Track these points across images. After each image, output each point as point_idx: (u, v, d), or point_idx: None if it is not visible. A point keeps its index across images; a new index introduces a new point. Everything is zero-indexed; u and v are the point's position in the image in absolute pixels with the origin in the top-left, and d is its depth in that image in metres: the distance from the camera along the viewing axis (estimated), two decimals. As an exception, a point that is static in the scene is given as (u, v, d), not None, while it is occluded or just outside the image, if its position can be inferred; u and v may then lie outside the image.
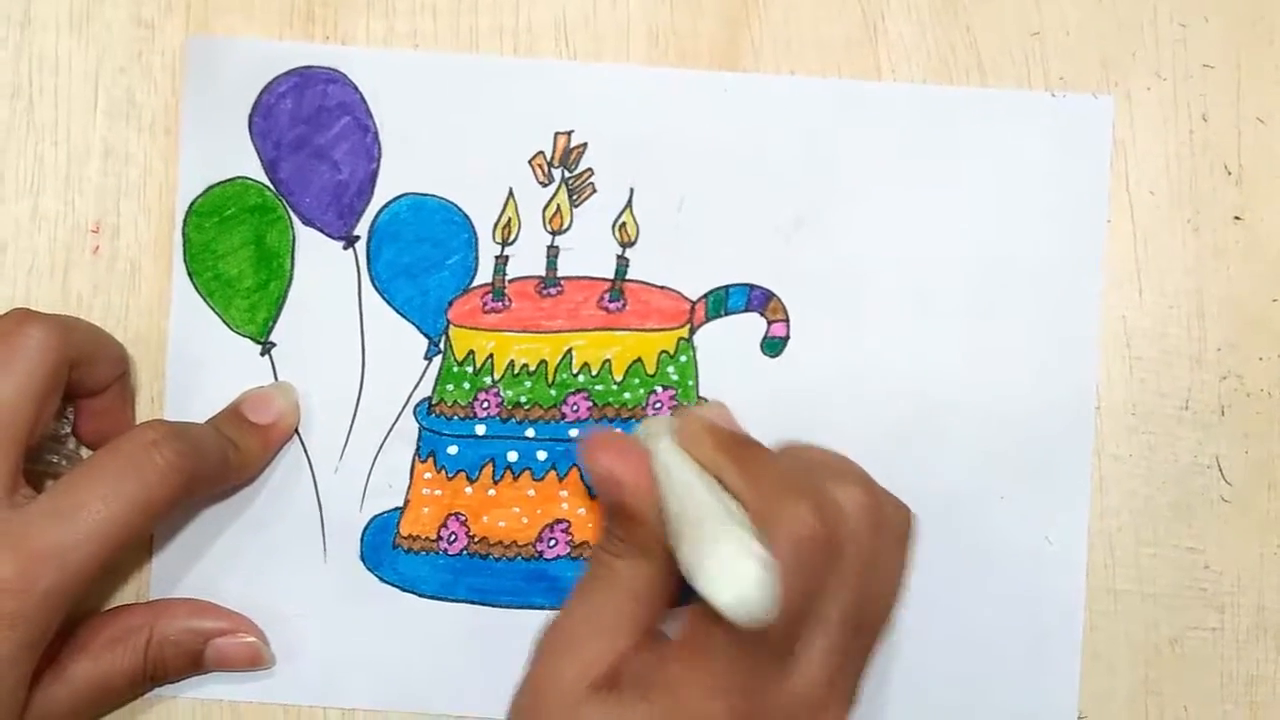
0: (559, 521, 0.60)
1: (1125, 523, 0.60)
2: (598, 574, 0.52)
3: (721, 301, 0.60)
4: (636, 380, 0.60)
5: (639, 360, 0.60)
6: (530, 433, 0.60)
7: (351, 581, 0.60)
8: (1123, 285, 0.60)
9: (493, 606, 0.60)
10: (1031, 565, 0.60)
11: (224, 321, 0.60)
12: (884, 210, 0.60)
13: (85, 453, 0.59)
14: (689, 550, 0.46)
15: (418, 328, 0.60)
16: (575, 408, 0.60)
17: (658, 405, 0.60)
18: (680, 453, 0.52)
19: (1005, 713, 0.60)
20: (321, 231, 0.60)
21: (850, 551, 0.50)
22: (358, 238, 0.60)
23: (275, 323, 0.60)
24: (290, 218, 0.60)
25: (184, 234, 0.60)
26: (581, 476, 0.60)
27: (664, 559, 0.50)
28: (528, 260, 0.60)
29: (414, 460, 0.60)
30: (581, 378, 0.60)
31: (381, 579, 0.60)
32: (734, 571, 0.45)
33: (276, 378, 0.60)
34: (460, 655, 0.60)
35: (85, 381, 0.57)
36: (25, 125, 0.60)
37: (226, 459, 0.57)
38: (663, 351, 0.60)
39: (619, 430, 0.60)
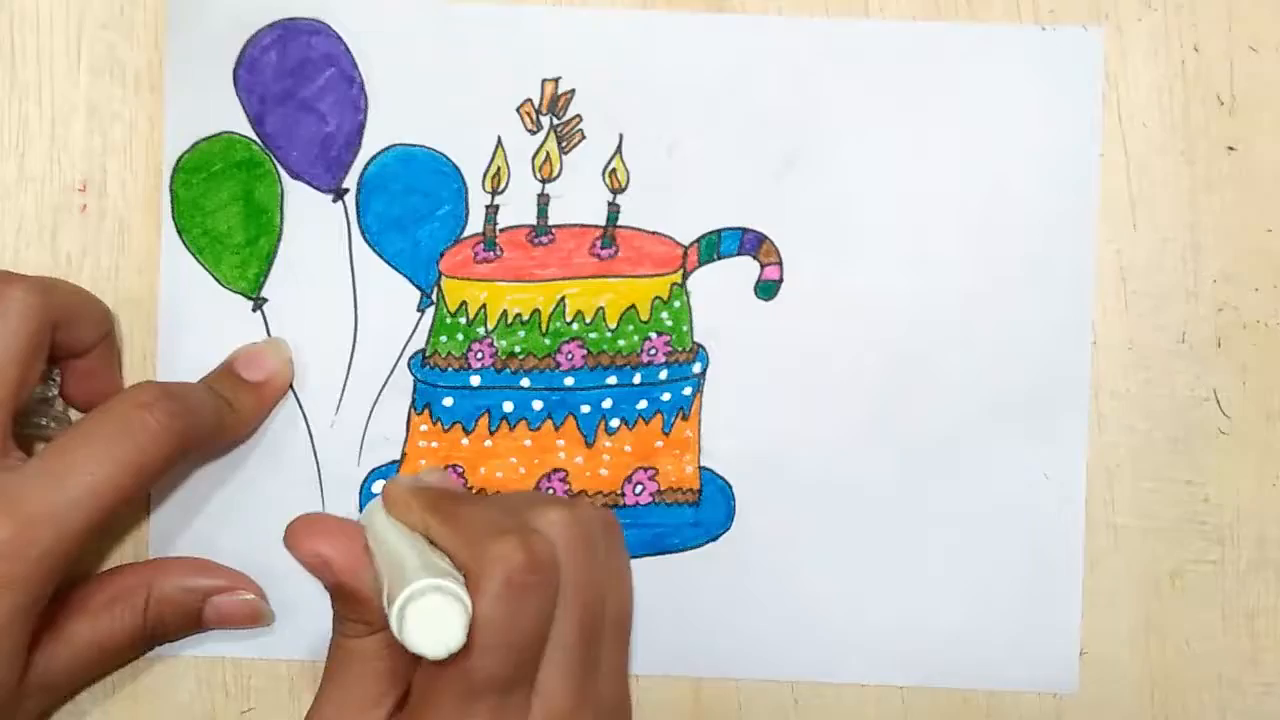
0: (556, 470, 0.60)
1: (1124, 458, 0.60)
2: (338, 658, 0.52)
3: (714, 246, 0.60)
4: (631, 327, 0.60)
5: (633, 307, 0.60)
6: (525, 382, 0.60)
7: (350, 535, 0.60)
8: (1117, 219, 0.60)
9: (492, 557, 0.60)
10: (1030, 502, 0.60)
11: (214, 278, 0.60)
12: (875, 150, 0.60)
13: (74, 415, 0.59)
14: (391, 609, 0.47)
15: (409, 279, 0.60)
16: (570, 356, 0.60)
17: (653, 351, 0.60)
18: (390, 521, 0.52)
19: (1007, 650, 0.60)
20: (310, 185, 0.60)
21: (567, 570, 0.51)
22: (346, 190, 0.60)
23: (266, 278, 0.60)
24: (278, 172, 0.60)
25: (172, 191, 0.60)
26: (578, 425, 0.60)
27: None
28: (518, 209, 0.60)
29: (410, 413, 0.60)
30: (575, 326, 0.60)
31: (380, 532, 0.60)
32: (430, 615, 0.46)
33: (269, 334, 0.60)
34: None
35: (69, 342, 0.56)
36: (8, 85, 0.60)
37: (221, 418, 0.57)
38: (656, 297, 0.60)
39: (323, 512, 0.59)
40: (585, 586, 0.51)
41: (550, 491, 0.60)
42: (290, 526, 0.52)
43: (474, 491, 0.60)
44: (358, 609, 0.51)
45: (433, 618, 0.46)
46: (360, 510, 0.60)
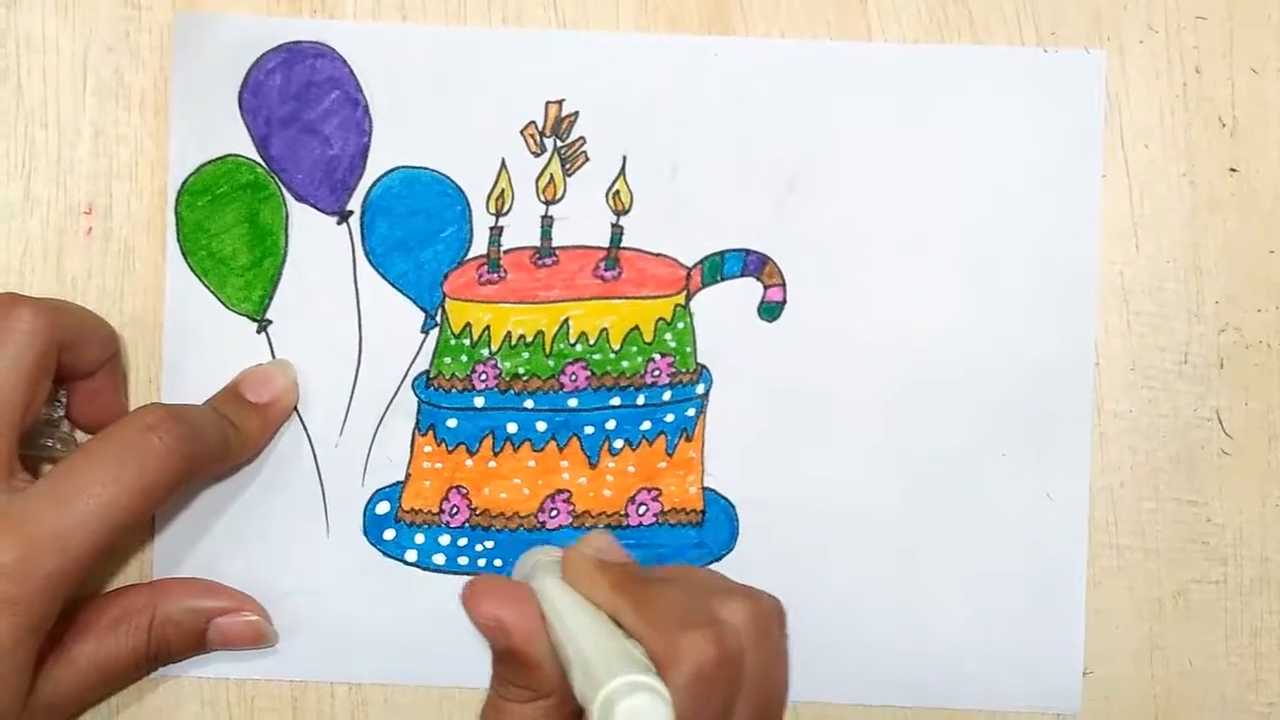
0: (560, 491, 0.60)
1: (1126, 478, 0.60)
2: None
3: (717, 267, 0.60)
4: (634, 348, 0.60)
5: (636, 328, 0.60)
6: (529, 404, 0.60)
7: (355, 556, 0.60)
8: (1119, 240, 0.60)
9: (496, 578, 0.60)
10: (1033, 523, 0.60)
11: (219, 300, 0.60)
12: (878, 171, 0.60)
13: (80, 436, 0.59)
14: (594, 695, 0.46)
15: (414, 301, 0.60)
16: (574, 377, 0.60)
17: (656, 372, 0.60)
18: (570, 592, 0.52)
19: (1011, 670, 0.60)
20: (314, 207, 0.60)
21: (748, 664, 0.50)
22: (351, 213, 0.60)
23: (271, 300, 0.60)
24: (283, 194, 0.60)
25: (176, 213, 0.60)
26: (582, 446, 0.60)
27: (561, 695, 0.50)
28: (522, 231, 0.60)
29: (414, 434, 0.60)
30: (579, 347, 0.60)
31: (385, 553, 0.60)
32: (637, 713, 0.46)
33: (274, 355, 0.60)
34: (465, 628, 0.60)
35: (76, 364, 0.57)
36: (15, 108, 0.60)
37: (226, 440, 0.57)
38: (660, 319, 0.60)
39: (498, 575, 0.60)
40: (763, 678, 0.51)
41: (555, 513, 0.60)
42: (468, 587, 0.51)
43: (481, 512, 0.60)
44: (525, 675, 0.51)
45: (640, 716, 0.46)
46: (366, 530, 0.60)
